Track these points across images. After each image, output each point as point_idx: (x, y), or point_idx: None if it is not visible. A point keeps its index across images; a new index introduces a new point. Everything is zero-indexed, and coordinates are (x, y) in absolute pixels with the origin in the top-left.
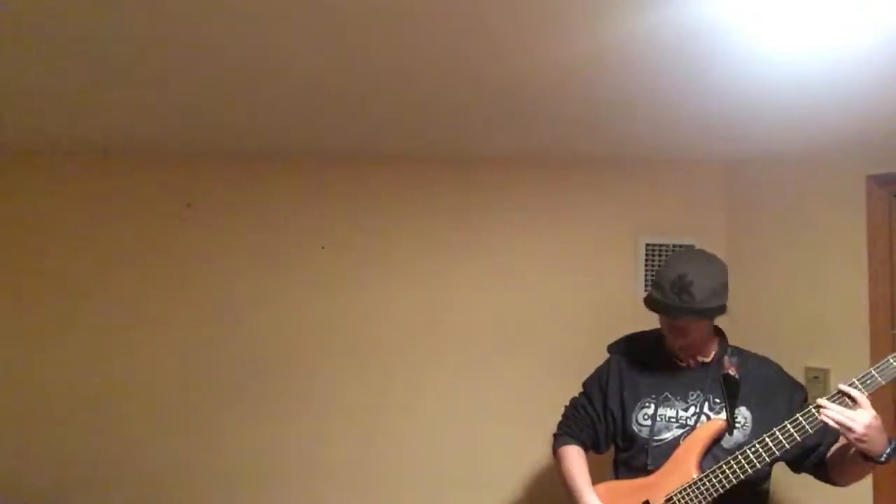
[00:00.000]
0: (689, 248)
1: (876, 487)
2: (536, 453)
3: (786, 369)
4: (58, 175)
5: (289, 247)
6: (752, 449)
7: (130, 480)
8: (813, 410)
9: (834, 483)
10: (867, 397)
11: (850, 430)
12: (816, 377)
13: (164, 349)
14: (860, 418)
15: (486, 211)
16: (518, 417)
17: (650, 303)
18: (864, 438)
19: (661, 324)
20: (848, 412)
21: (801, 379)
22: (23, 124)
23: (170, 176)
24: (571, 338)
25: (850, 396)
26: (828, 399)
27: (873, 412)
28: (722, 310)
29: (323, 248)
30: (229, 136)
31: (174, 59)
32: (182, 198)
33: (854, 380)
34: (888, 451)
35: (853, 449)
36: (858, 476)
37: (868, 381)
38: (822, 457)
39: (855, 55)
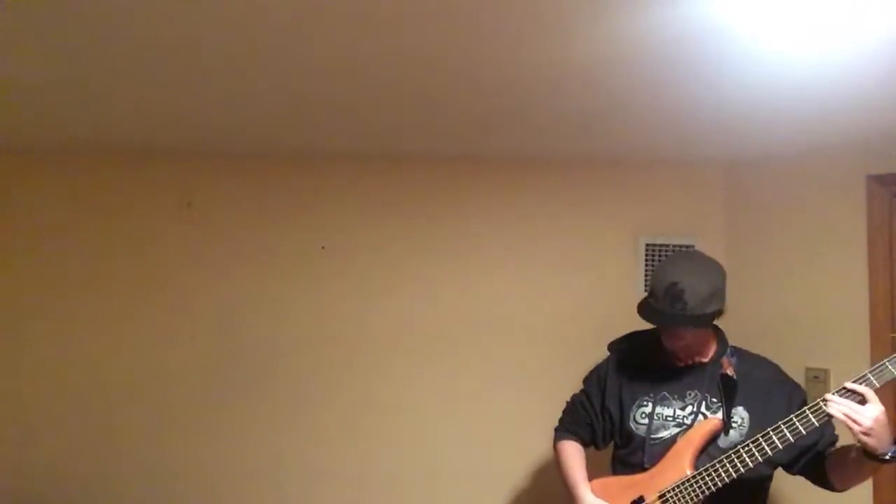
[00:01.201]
0: (686, 251)
1: (876, 488)
2: (536, 452)
3: (786, 369)
4: (58, 175)
5: (289, 247)
6: (746, 448)
7: (128, 479)
8: (808, 412)
9: (831, 487)
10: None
11: (856, 422)
12: (816, 377)
13: (163, 349)
14: (867, 412)
15: (486, 211)
16: (517, 417)
17: (643, 310)
18: (871, 433)
19: (658, 328)
20: (855, 405)
21: (801, 379)
22: (23, 124)
23: (170, 176)
24: (571, 337)
25: (856, 392)
26: (835, 393)
27: (881, 407)
28: (715, 315)
29: (323, 248)
30: (229, 136)
31: (174, 60)
32: (182, 197)
33: (867, 372)
34: (894, 448)
35: (854, 451)
36: (858, 478)
37: (878, 374)
38: (816, 456)
39: (855, 56)
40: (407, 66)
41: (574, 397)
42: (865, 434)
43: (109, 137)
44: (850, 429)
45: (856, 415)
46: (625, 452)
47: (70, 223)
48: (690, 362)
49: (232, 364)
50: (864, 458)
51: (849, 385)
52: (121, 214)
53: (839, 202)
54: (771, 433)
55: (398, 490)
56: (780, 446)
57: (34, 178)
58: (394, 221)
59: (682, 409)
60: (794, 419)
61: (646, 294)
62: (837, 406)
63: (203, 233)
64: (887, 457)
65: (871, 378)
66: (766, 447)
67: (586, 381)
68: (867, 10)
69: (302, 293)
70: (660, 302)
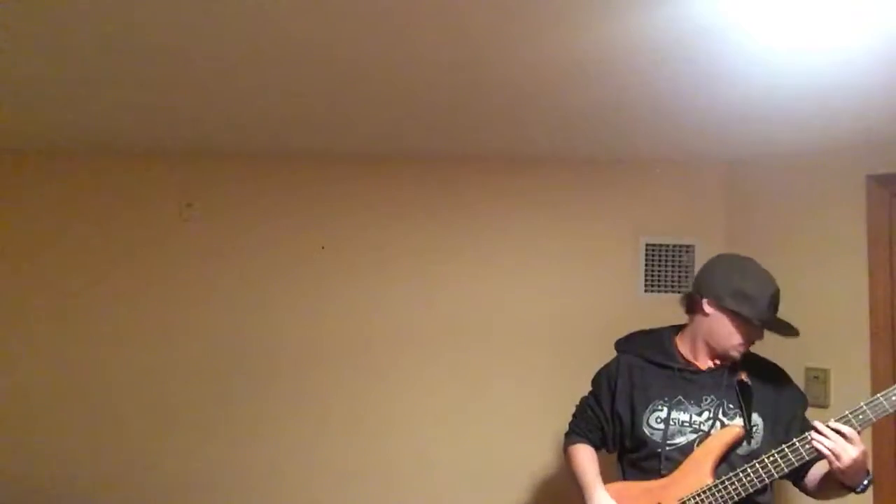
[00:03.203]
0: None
1: (876, 488)
2: (535, 452)
3: (786, 369)
4: (58, 175)
5: (289, 247)
6: (771, 458)
7: (129, 479)
8: (808, 435)
9: (810, 495)
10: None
11: (838, 459)
12: (816, 377)
13: (162, 349)
14: (850, 452)
15: (486, 211)
16: (517, 417)
17: (761, 321)
18: (848, 471)
19: (732, 337)
20: (841, 442)
21: (801, 379)
22: (23, 124)
23: (170, 176)
24: (571, 338)
25: (840, 432)
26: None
27: (862, 447)
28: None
29: (323, 248)
30: (229, 136)
31: (175, 61)
32: (182, 198)
33: (846, 413)
34: (865, 482)
35: (832, 477)
36: (835, 496)
37: (860, 417)
38: (804, 470)
39: (855, 56)
40: (406, 67)
41: (583, 399)
42: (842, 472)
43: (109, 137)
44: (830, 463)
45: (841, 452)
46: (638, 457)
47: (70, 223)
48: (712, 364)
49: (232, 363)
50: (838, 486)
51: (833, 425)
52: (121, 214)
53: (839, 202)
54: (797, 443)
55: (398, 489)
56: (807, 457)
57: (34, 178)
58: (394, 221)
59: (699, 414)
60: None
61: (755, 309)
62: (824, 441)
63: (203, 233)
64: (858, 490)
65: (867, 410)
66: (791, 458)
67: (595, 382)
68: (867, 10)
69: (302, 293)
70: (772, 311)
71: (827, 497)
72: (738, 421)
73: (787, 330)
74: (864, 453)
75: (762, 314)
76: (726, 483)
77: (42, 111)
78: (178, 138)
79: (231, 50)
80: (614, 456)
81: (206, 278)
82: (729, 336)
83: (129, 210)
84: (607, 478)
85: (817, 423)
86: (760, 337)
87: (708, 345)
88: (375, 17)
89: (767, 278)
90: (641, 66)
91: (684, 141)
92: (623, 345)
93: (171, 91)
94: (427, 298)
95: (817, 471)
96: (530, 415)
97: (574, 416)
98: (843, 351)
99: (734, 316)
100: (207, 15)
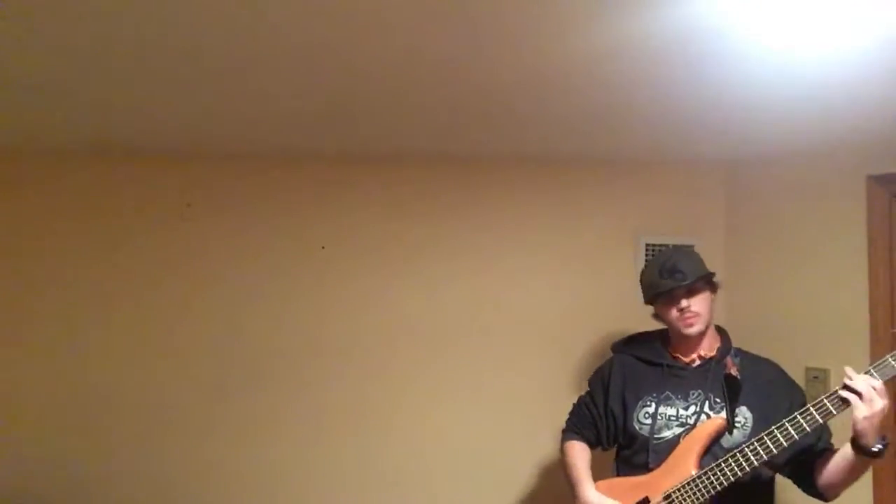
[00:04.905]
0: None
1: (875, 487)
2: (535, 451)
3: (786, 369)
4: (58, 175)
5: (289, 247)
6: (751, 447)
7: (128, 478)
8: (812, 409)
9: (816, 491)
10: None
11: (869, 404)
12: (816, 377)
13: (162, 349)
14: (878, 401)
15: (486, 211)
16: (517, 416)
17: (653, 293)
18: (871, 421)
19: (669, 318)
20: (875, 386)
21: (800, 379)
22: (23, 124)
23: (169, 176)
24: (571, 337)
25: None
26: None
27: (887, 401)
28: (712, 276)
29: (323, 248)
30: (229, 137)
31: (175, 61)
32: (182, 198)
33: (870, 368)
34: (882, 443)
35: (842, 453)
36: (844, 480)
37: (884, 370)
38: (809, 458)
39: (854, 55)
40: (406, 67)
41: (580, 398)
42: (867, 419)
43: (109, 137)
44: (856, 411)
45: (870, 395)
46: (629, 453)
47: (70, 223)
48: (696, 358)
49: (232, 363)
50: (853, 454)
51: (864, 376)
52: (121, 214)
53: (839, 202)
54: (775, 431)
55: (398, 489)
56: (785, 444)
57: (34, 178)
58: (394, 221)
59: (686, 408)
60: (799, 417)
61: (645, 298)
62: (857, 383)
63: (203, 233)
64: (875, 449)
65: (892, 361)
66: (770, 446)
67: (590, 381)
68: (867, 10)
69: (302, 293)
70: (663, 282)
71: (843, 482)
72: (724, 414)
73: (679, 279)
74: (884, 411)
75: (654, 286)
76: (709, 473)
77: (42, 111)
78: (178, 138)
79: (232, 51)
80: (609, 455)
81: (206, 278)
82: (668, 320)
83: (128, 210)
84: (601, 476)
85: (847, 369)
86: (677, 303)
87: (676, 337)
88: (376, 19)
89: (658, 257)
90: (642, 67)
91: (684, 141)
92: (618, 346)
93: (171, 91)
94: (427, 298)
95: (824, 461)
96: (530, 414)
97: (570, 413)
98: (843, 351)
99: (652, 302)
100: (209, 16)
